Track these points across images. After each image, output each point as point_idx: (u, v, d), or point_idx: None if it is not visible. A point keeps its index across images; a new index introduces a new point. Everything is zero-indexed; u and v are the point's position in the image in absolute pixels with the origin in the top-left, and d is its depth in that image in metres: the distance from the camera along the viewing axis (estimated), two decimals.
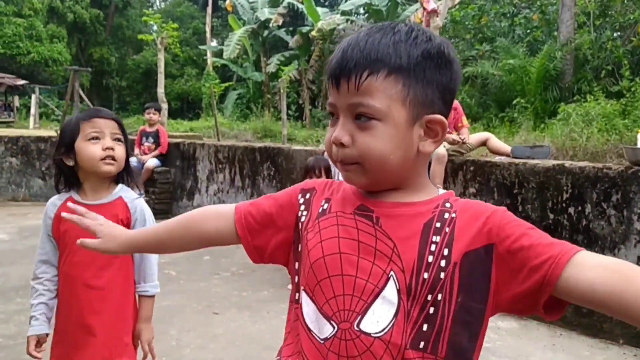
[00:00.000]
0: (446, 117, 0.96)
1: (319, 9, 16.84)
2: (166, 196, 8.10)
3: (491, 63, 11.17)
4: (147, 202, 2.13)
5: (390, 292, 0.91)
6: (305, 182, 1.12)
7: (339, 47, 0.95)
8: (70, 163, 1.95)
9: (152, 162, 7.86)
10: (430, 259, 0.90)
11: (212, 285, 4.84)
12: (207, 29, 21.49)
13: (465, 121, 5.06)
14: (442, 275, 0.89)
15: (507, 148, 4.88)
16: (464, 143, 4.70)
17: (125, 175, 2.05)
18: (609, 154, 5.33)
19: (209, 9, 21.50)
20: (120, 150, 1.94)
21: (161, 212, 7.33)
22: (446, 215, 0.94)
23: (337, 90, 0.93)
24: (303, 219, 1.04)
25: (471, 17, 13.10)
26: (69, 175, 1.99)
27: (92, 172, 1.95)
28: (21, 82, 19.40)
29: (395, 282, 0.91)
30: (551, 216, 3.96)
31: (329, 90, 0.97)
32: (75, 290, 1.94)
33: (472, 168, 4.51)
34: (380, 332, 0.90)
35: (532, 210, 4.07)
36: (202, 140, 9.02)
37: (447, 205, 0.96)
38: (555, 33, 11.16)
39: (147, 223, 2.01)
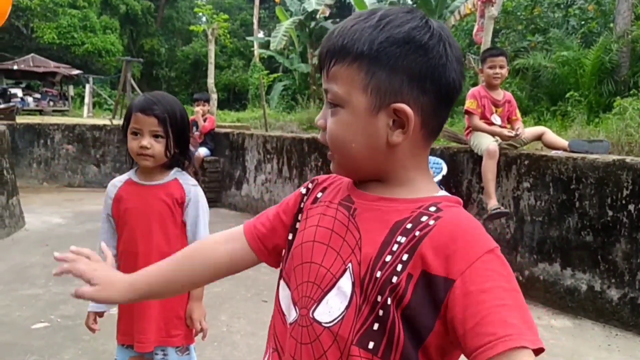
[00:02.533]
0: (429, 108, 0.88)
1: (366, 0, 16.69)
2: (215, 185, 8.21)
3: (543, 55, 10.88)
4: None
5: (345, 283, 0.89)
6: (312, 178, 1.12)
7: None
8: None
9: (202, 151, 8.01)
10: (389, 258, 0.85)
11: (261, 274, 4.89)
12: (255, 20, 21.70)
13: (518, 114, 4.94)
14: (395, 279, 0.83)
15: (563, 142, 4.71)
16: (517, 136, 4.57)
17: (183, 160, 2.10)
18: None
19: (257, 1, 21.69)
20: (157, 147, 1.98)
21: (210, 201, 7.34)
22: (423, 219, 0.86)
23: (321, 76, 0.96)
24: (302, 205, 1.05)
25: (523, 8, 12.79)
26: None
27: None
28: (76, 71, 20.05)
29: (350, 274, 0.89)
30: (610, 213, 3.84)
31: None
32: (134, 265, 2.01)
33: (526, 162, 4.41)
34: (330, 322, 0.89)
35: (590, 206, 3.95)
36: (250, 130, 9.11)
37: (432, 209, 0.88)
38: (611, 24, 10.81)
39: (199, 206, 2.07)
